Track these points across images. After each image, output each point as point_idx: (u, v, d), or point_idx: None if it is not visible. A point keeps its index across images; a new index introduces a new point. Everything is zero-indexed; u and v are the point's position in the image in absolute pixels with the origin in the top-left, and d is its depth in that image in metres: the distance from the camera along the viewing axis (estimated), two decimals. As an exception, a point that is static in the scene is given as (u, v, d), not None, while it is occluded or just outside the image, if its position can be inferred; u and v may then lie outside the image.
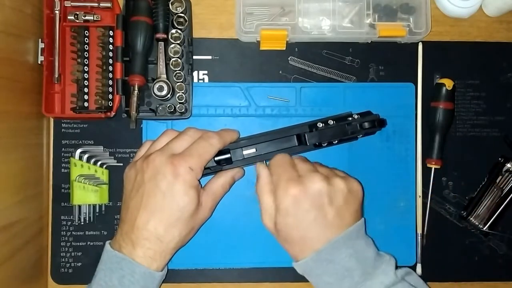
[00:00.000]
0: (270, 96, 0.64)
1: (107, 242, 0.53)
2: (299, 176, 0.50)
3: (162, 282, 0.53)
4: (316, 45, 0.65)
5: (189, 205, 0.50)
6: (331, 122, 0.58)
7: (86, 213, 0.63)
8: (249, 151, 0.56)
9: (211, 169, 0.56)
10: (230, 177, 0.56)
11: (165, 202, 0.50)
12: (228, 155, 0.56)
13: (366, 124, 0.58)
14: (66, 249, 0.63)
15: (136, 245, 0.49)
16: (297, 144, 0.57)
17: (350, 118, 0.59)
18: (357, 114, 0.59)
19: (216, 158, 0.55)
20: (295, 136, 0.57)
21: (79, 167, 0.62)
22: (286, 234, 0.49)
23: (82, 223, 0.63)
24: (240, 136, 0.59)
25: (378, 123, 0.59)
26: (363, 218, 0.53)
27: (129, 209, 0.51)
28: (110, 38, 0.62)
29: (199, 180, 0.52)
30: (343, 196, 0.50)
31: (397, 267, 0.50)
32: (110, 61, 0.62)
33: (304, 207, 0.48)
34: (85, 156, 0.63)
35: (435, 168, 0.63)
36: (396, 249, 0.63)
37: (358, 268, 0.47)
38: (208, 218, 0.55)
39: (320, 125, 0.58)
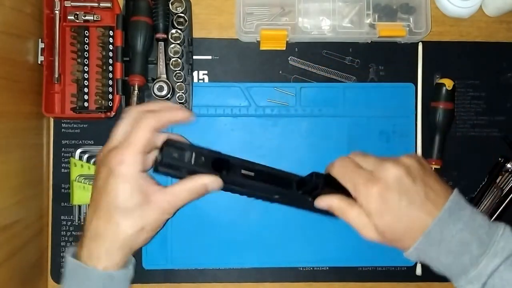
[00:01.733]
0: (269, 99, 0.64)
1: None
2: (371, 173, 0.48)
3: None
4: (316, 45, 0.65)
5: (126, 201, 0.46)
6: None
7: (86, 213, 0.63)
8: (247, 172, 0.51)
9: (187, 168, 0.49)
10: (201, 184, 0.48)
11: (101, 198, 0.47)
12: (221, 157, 0.50)
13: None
14: (66, 249, 0.63)
15: (83, 247, 0.47)
16: (296, 191, 0.52)
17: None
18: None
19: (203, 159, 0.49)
20: (295, 183, 0.52)
21: (79, 167, 0.62)
22: (391, 233, 0.46)
23: (82, 223, 0.63)
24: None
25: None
26: (456, 188, 0.48)
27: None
28: (110, 38, 0.62)
29: (152, 173, 0.49)
30: (418, 169, 0.47)
31: None
32: (110, 61, 0.62)
33: (394, 198, 0.45)
34: (85, 156, 0.63)
35: (435, 168, 0.63)
36: (396, 249, 0.63)
37: (473, 240, 0.44)
38: (166, 219, 0.49)
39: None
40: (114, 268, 0.47)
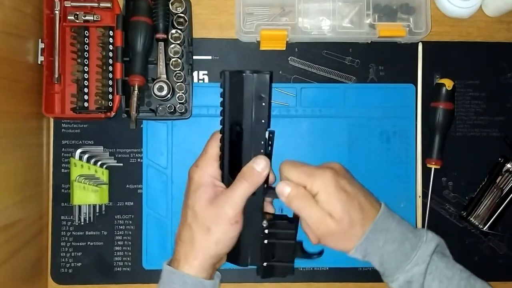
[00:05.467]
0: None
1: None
2: (316, 166, 0.52)
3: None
4: (316, 45, 0.65)
5: (198, 201, 0.50)
6: None
7: (86, 213, 0.63)
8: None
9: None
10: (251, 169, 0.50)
11: (184, 202, 0.52)
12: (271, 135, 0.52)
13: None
14: (66, 249, 0.63)
15: (175, 255, 0.51)
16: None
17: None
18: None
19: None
20: None
21: (79, 167, 0.62)
22: (348, 214, 0.48)
23: (82, 223, 0.63)
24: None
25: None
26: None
27: None
28: (110, 38, 0.62)
29: (218, 178, 0.51)
30: (345, 172, 0.53)
31: None
32: (110, 61, 0.62)
33: (344, 181, 0.50)
34: (85, 156, 0.63)
35: (435, 168, 0.63)
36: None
37: (409, 231, 0.51)
38: (234, 225, 0.49)
39: None
40: (203, 275, 0.49)
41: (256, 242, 0.52)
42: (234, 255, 0.52)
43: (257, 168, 0.49)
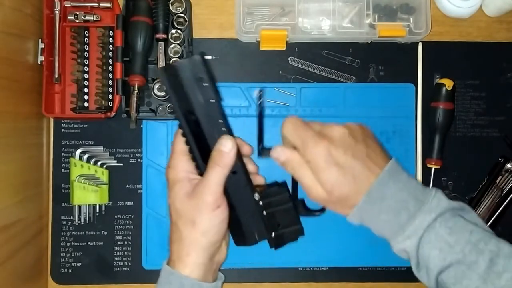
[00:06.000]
0: (269, 99, 0.64)
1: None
2: (318, 132, 0.50)
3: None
4: (316, 45, 0.65)
5: (176, 198, 0.50)
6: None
7: (86, 213, 0.63)
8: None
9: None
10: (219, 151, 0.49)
11: (168, 203, 0.52)
12: None
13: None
14: (66, 249, 0.63)
15: (170, 255, 0.52)
16: None
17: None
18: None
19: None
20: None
21: (79, 167, 0.62)
22: (337, 188, 0.48)
23: (82, 223, 0.63)
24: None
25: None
26: (394, 157, 0.51)
27: None
28: (110, 38, 0.62)
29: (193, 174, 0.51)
30: (361, 132, 0.51)
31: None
32: (110, 61, 0.62)
33: (339, 151, 0.48)
34: (85, 156, 0.63)
35: (435, 168, 0.63)
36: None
37: (411, 198, 0.47)
38: (216, 210, 0.49)
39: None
40: (200, 272, 0.50)
41: (256, 217, 0.52)
42: (241, 238, 0.53)
43: (224, 149, 0.49)
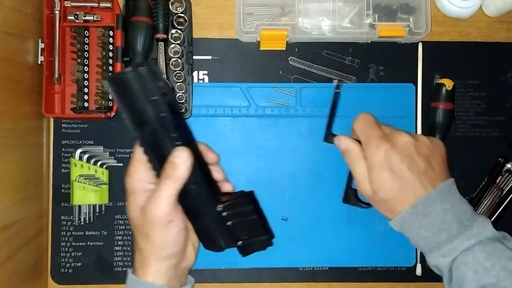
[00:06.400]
0: (269, 99, 0.64)
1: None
2: (387, 134, 0.52)
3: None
4: (316, 45, 0.65)
5: (131, 210, 0.50)
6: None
7: (86, 213, 0.63)
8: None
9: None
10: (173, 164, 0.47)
11: None
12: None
13: None
14: (66, 249, 0.63)
15: (133, 263, 0.51)
16: None
17: None
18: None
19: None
20: None
21: (79, 167, 0.62)
22: (383, 191, 0.49)
23: (82, 223, 0.63)
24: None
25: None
26: (453, 179, 0.52)
27: None
28: (110, 38, 0.62)
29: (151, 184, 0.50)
30: (428, 148, 0.51)
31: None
32: (110, 61, 0.62)
33: (396, 158, 0.49)
34: (85, 156, 0.63)
35: (435, 168, 0.63)
36: (396, 249, 0.63)
37: (455, 221, 0.48)
38: (169, 225, 0.48)
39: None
40: (164, 280, 0.49)
41: (221, 227, 0.51)
42: (210, 243, 0.53)
43: (177, 161, 0.46)
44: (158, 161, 0.48)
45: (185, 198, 0.49)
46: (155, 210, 0.47)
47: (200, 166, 0.49)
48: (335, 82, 0.59)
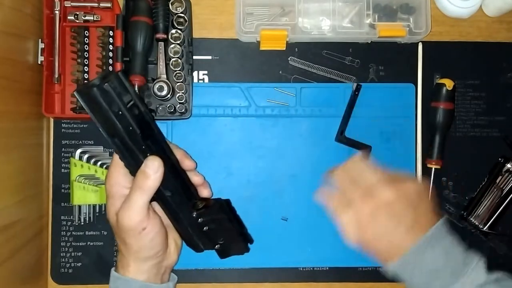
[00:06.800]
0: (269, 99, 0.64)
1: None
2: (369, 188, 0.50)
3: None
4: (316, 45, 0.65)
5: (109, 214, 0.51)
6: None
7: (86, 213, 0.63)
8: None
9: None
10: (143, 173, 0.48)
11: None
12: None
13: None
14: (66, 249, 0.63)
15: (117, 262, 0.53)
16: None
17: None
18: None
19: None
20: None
21: (79, 167, 0.62)
22: (371, 247, 0.50)
23: (82, 223, 0.63)
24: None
25: None
26: (445, 217, 0.51)
27: None
28: (110, 38, 0.62)
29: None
30: (416, 196, 0.50)
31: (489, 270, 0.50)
32: (110, 61, 0.62)
33: (382, 219, 0.48)
34: (85, 156, 0.63)
35: (435, 168, 0.63)
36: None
37: (447, 268, 0.47)
38: (142, 232, 0.49)
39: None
40: (144, 276, 0.51)
41: (199, 231, 0.53)
42: (189, 244, 0.55)
43: (148, 171, 0.47)
44: (134, 167, 0.49)
45: (162, 204, 0.51)
46: (126, 219, 0.48)
47: (175, 173, 0.51)
48: (354, 84, 0.60)
